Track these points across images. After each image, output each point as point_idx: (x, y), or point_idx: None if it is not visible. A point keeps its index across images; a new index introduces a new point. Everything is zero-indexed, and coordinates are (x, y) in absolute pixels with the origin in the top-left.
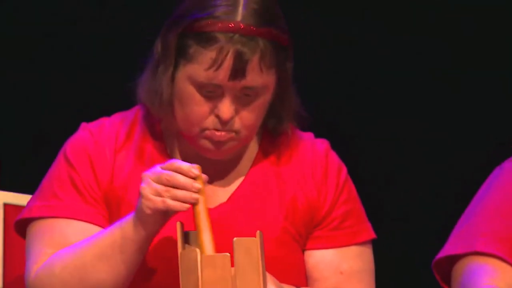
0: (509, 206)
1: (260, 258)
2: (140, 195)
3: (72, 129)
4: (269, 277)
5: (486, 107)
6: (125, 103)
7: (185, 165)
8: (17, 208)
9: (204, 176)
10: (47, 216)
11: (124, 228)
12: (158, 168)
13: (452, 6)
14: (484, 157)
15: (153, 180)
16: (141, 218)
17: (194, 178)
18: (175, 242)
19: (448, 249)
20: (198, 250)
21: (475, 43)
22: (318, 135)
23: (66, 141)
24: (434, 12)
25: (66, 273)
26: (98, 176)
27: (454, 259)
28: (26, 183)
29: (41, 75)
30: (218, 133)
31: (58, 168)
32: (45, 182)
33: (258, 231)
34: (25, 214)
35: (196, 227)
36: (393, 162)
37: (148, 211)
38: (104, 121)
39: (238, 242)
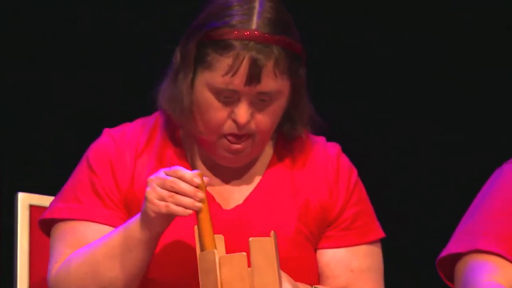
0: (509, 206)
1: (275, 257)
2: (145, 198)
3: (72, 129)
4: (283, 275)
5: (502, 108)
6: (126, 102)
7: (188, 173)
8: (42, 209)
9: (206, 180)
10: (68, 218)
11: (131, 229)
12: (162, 173)
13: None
14: (499, 158)
15: (157, 185)
16: (145, 220)
17: (197, 186)
18: (187, 245)
19: (451, 248)
20: (215, 251)
21: (498, 43)
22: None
23: (89, 146)
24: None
25: (81, 271)
26: (118, 181)
27: (456, 257)
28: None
29: (41, 75)
30: (234, 147)
31: (81, 172)
32: (68, 185)
33: (272, 231)
34: (47, 215)
35: (199, 233)
36: (409, 164)
37: (152, 214)
38: (125, 127)
39: (254, 241)
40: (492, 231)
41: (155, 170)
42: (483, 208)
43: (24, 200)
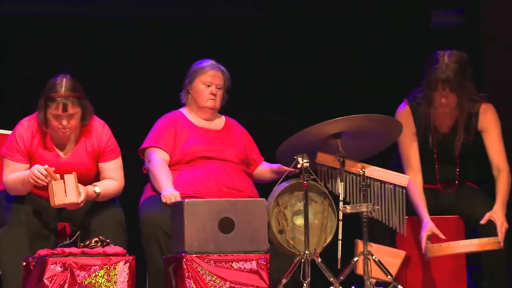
0: (162, 127)
1: (75, 180)
2: (28, 175)
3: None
4: (80, 186)
5: None
6: None
7: (42, 168)
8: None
9: (51, 169)
10: (9, 158)
11: (26, 177)
12: (35, 167)
13: None
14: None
15: (33, 173)
16: (30, 180)
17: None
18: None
19: (142, 145)
20: (53, 181)
21: None
22: None
23: (13, 129)
24: None
25: (14, 182)
26: (25, 146)
27: (145, 149)
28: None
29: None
30: (64, 134)
31: (10, 140)
32: (6, 144)
33: (74, 172)
34: (2, 153)
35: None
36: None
37: (31, 181)
38: (29, 121)
39: (66, 176)
40: (157, 138)
41: (37, 144)
42: (152, 130)
43: None
